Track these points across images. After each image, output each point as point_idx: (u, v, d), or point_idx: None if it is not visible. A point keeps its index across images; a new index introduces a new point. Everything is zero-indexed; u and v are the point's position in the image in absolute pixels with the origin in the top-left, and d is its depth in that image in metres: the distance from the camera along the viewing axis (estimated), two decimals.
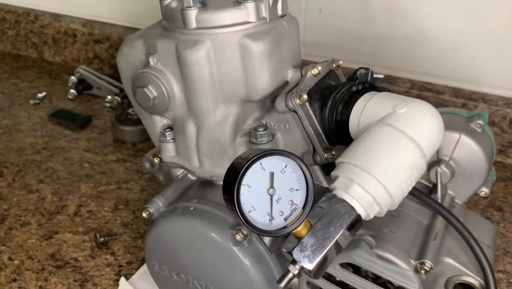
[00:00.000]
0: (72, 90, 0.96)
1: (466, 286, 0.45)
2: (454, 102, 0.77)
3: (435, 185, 0.49)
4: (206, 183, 0.50)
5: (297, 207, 0.34)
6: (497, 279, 0.56)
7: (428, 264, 0.41)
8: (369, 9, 0.79)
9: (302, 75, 0.45)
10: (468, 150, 0.47)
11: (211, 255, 0.44)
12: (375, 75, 0.45)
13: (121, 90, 0.95)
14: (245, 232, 0.42)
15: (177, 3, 0.44)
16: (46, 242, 0.64)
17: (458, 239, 0.44)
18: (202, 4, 0.42)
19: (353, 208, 0.35)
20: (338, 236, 0.35)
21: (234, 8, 0.42)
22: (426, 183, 0.50)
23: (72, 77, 0.97)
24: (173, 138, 0.50)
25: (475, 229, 0.44)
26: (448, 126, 0.43)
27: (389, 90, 0.45)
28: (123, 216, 0.68)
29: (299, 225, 0.34)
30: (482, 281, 0.43)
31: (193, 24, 0.42)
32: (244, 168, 0.32)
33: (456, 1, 0.72)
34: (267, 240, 0.45)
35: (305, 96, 0.42)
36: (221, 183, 0.48)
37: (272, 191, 0.33)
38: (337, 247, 0.35)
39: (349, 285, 0.42)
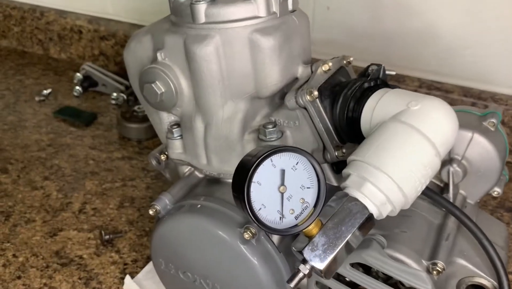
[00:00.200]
0: (77, 87, 0.96)
1: (479, 288, 0.44)
2: (463, 102, 0.76)
3: (446, 184, 0.48)
4: (213, 181, 0.49)
5: (308, 205, 0.33)
6: (510, 281, 0.55)
7: (440, 264, 0.40)
8: (378, 6, 0.78)
9: (312, 72, 0.45)
10: (481, 149, 0.46)
11: (218, 253, 0.44)
12: (387, 72, 0.44)
13: (127, 87, 0.94)
14: (253, 231, 0.41)
15: None
16: (51, 239, 0.63)
17: (471, 239, 0.43)
18: None
19: (365, 207, 0.35)
20: (350, 236, 0.34)
21: (244, 2, 0.41)
22: (437, 182, 0.49)
23: (78, 74, 0.97)
24: (180, 135, 0.49)
25: (487, 230, 0.43)
26: (461, 124, 0.42)
27: (395, 87, 0.44)
28: (129, 213, 0.67)
29: (310, 223, 0.33)
30: (495, 283, 0.42)
31: (202, 18, 0.42)
32: (255, 164, 0.31)
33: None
34: (275, 239, 0.44)
35: (316, 93, 0.41)
36: (229, 180, 0.48)
37: (283, 189, 0.33)
38: (348, 247, 0.35)
39: (359, 285, 0.42)
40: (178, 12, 0.44)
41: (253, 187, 0.32)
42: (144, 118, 0.82)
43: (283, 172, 0.32)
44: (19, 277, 0.58)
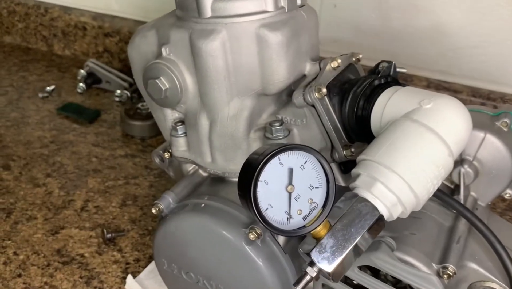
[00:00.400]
0: (81, 84, 0.95)
1: None
2: (472, 102, 0.75)
3: (457, 186, 0.47)
4: (218, 179, 0.48)
5: (316, 205, 0.32)
6: None
7: (451, 268, 0.39)
8: (385, 5, 0.77)
9: (320, 68, 0.43)
10: (493, 150, 0.45)
11: (222, 254, 0.43)
12: (398, 69, 0.43)
13: (131, 84, 0.93)
14: (258, 231, 0.40)
15: None
16: (52, 237, 0.63)
17: (482, 243, 0.42)
18: None
19: (375, 208, 0.33)
20: (359, 238, 0.33)
21: None
22: (447, 183, 0.48)
23: (81, 71, 0.96)
24: (185, 133, 0.48)
25: (499, 233, 0.41)
26: (473, 124, 0.41)
27: (405, 85, 0.43)
28: (131, 212, 0.66)
29: (319, 225, 0.32)
30: (507, 288, 0.41)
31: (208, 13, 0.41)
32: (262, 162, 0.30)
33: None
34: (281, 239, 0.43)
35: (324, 90, 0.40)
36: (234, 179, 0.47)
37: (291, 188, 0.31)
38: (357, 249, 0.33)
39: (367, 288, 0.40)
40: (183, 6, 0.43)
41: (260, 186, 0.31)
42: (148, 116, 0.81)
43: (291, 170, 0.31)
44: (19, 275, 0.57)
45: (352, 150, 0.42)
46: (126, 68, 0.99)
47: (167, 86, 0.44)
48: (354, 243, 0.33)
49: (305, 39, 0.44)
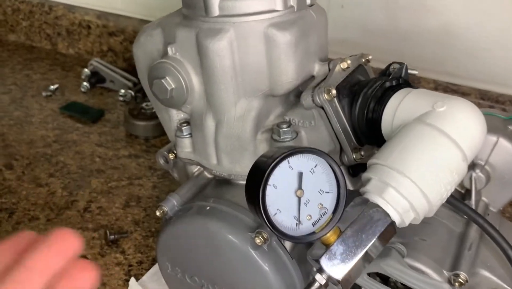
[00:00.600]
0: (85, 83, 0.94)
1: None
2: (480, 105, 0.74)
3: (468, 191, 0.46)
4: (223, 182, 0.47)
5: (326, 211, 0.31)
6: None
7: (462, 276, 0.38)
8: (393, 5, 0.76)
9: (329, 69, 0.42)
10: (506, 154, 0.44)
11: (227, 258, 0.42)
12: (409, 71, 0.42)
13: (135, 84, 0.93)
14: (265, 235, 0.39)
15: None
16: None
17: (494, 249, 0.41)
18: None
19: (387, 214, 0.32)
20: (370, 244, 0.32)
21: None
22: (458, 188, 0.47)
23: (85, 70, 0.95)
24: (190, 134, 0.47)
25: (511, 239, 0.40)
26: None
27: (417, 87, 0.42)
28: (134, 213, 0.66)
29: (329, 231, 0.31)
30: None
31: (215, 11, 0.40)
32: (271, 166, 0.29)
33: None
34: (287, 244, 0.42)
35: (334, 92, 0.39)
36: (240, 181, 0.46)
37: (300, 193, 0.31)
38: (368, 256, 0.32)
39: None
40: (190, 4, 0.42)
41: (269, 190, 0.30)
42: (152, 116, 0.80)
43: (300, 174, 0.30)
44: None
45: (362, 153, 0.41)
46: (130, 68, 0.99)
47: (173, 86, 0.43)
48: (365, 250, 0.32)
49: (314, 39, 0.43)
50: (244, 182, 0.32)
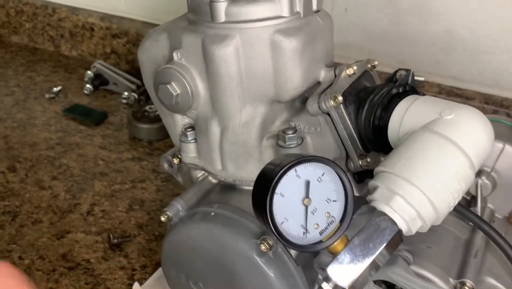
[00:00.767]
0: (88, 85, 0.94)
1: None
2: (484, 109, 0.74)
3: (474, 197, 0.45)
4: (228, 187, 0.47)
5: (334, 220, 0.31)
6: None
7: (469, 283, 0.38)
8: (397, 9, 0.76)
9: (335, 75, 0.42)
10: None
11: (232, 265, 0.41)
12: (416, 78, 0.41)
13: (138, 86, 0.93)
14: (270, 242, 0.39)
15: None
16: (58, 241, 0.62)
17: (500, 257, 0.41)
18: None
19: (394, 223, 0.32)
20: (377, 253, 0.31)
21: (267, 1, 0.39)
22: (464, 195, 0.47)
23: (89, 72, 0.95)
24: (195, 139, 0.47)
25: None
26: None
27: (423, 94, 0.42)
28: (138, 216, 0.66)
29: (336, 240, 0.31)
30: None
31: (222, 17, 0.40)
32: (279, 174, 0.29)
33: (488, 2, 0.68)
34: (293, 251, 0.42)
35: (340, 98, 0.39)
36: (245, 187, 0.46)
37: (307, 201, 0.30)
38: (375, 265, 0.32)
39: None
40: (196, 10, 0.42)
41: (276, 199, 0.30)
42: (156, 119, 0.80)
43: (307, 183, 0.30)
44: None
45: (368, 160, 0.41)
46: (133, 70, 0.99)
47: (178, 91, 0.43)
48: (372, 258, 0.31)
49: (320, 45, 0.43)
50: (249, 188, 0.32)
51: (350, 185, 0.31)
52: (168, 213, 0.45)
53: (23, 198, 0.69)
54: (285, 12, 0.40)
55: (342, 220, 0.31)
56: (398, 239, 0.33)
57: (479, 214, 0.45)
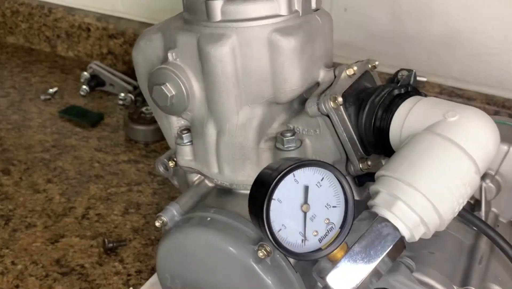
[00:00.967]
0: (84, 86, 0.93)
1: None
2: (486, 110, 0.72)
3: (477, 201, 0.44)
4: (224, 191, 0.46)
5: (333, 226, 0.30)
6: None
7: None
8: (397, 9, 0.74)
9: (335, 76, 0.41)
10: None
11: (229, 271, 0.40)
12: (418, 78, 0.40)
13: (135, 87, 0.91)
14: (268, 248, 0.38)
15: None
16: (52, 246, 0.60)
17: (505, 263, 0.40)
18: None
19: (396, 229, 0.31)
20: (379, 261, 0.30)
21: None
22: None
23: (85, 73, 0.94)
24: (191, 141, 0.46)
25: None
26: None
27: (425, 95, 0.40)
28: (134, 220, 0.64)
29: (336, 247, 0.30)
30: None
31: (217, 16, 0.38)
32: (276, 180, 0.28)
33: (491, 2, 0.67)
34: None
35: (340, 99, 0.38)
36: (242, 191, 0.45)
37: (306, 207, 0.29)
38: (376, 273, 0.31)
39: None
40: (192, 9, 0.41)
41: (273, 205, 0.28)
42: (152, 120, 0.79)
43: (306, 188, 0.29)
44: (17, 287, 0.55)
45: (369, 163, 0.40)
46: (130, 71, 0.97)
47: (173, 93, 0.41)
48: (373, 266, 0.30)
49: (320, 44, 0.41)
50: (246, 192, 0.31)
51: (351, 190, 0.30)
52: (163, 218, 0.44)
53: (17, 201, 0.68)
54: (283, 10, 0.38)
55: (342, 227, 0.30)
56: (400, 246, 0.31)
57: (483, 218, 0.44)
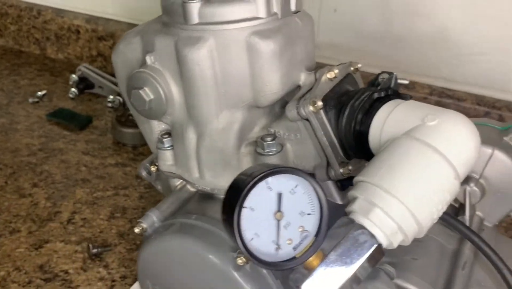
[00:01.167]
0: (73, 89, 0.92)
1: None
2: (476, 110, 0.72)
3: (462, 205, 0.44)
4: (206, 196, 0.45)
5: (308, 234, 0.29)
6: None
7: None
8: (387, 9, 0.74)
9: (316, 79, 0.40)
10: (501, 167, 0.42)
11: (208, 278, 0.39)
12: (399, 81, 0.40)
13: None
14: None
15: None
16: (36, 251, 0.60)
17: (489, 268, 0.39)
18: None
19: (373, 236, 0.30)
20: (355, 269, 0.30)
21: (242, 1, 0.37)
22: (451, 202, 0.45)
23: (73, 76, 0.93)
24: (172, 146, 0.45)
25: (508, 257, 0.38)
26: None
27: (410, 97, 0.40)
28: (119, 225, 0.63)
29: (311, 256, 0.29)
30: None
31: (195, 19, 0.38)
32: (248, 187, 0.27)
33: (480, 2, 0.67)
34: None
35: (320, 103, 0.37)
36: (223, 196, 0.44)
37: (280, 215, 0.28)
38: (355, 280, 0.30)
39: None
40: (169, 11, 0.40)
41: (245, 213, 0.28)
42: None
43: (280, 195, 0.28)
44: None
45: (350, 167, 0.39)
46: None
47: (152, 97, 0.41)
48: (350, 274, 0.30)
49: (300, 47, 0.41)
50: None
51: (325, 197, 0.29)
52: (142, 224, 0.43)
53: (1, 206, 0.67)
54: (262, 13, 0.38)
55: (317, 234, 0.29)
56: (378, 253, 0.31)
57: (467, 222, 0.43)
